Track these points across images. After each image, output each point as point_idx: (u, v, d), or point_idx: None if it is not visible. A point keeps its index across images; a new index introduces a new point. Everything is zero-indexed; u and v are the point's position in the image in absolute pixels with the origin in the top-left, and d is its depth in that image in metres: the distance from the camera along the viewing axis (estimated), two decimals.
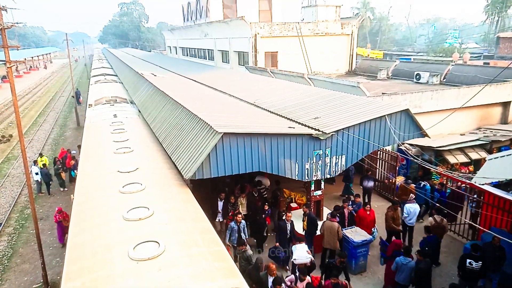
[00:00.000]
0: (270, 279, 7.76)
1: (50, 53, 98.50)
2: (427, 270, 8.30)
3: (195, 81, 20.49)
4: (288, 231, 9.93)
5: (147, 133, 12.43)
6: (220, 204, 10.93)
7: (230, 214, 10.78)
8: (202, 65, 31.12)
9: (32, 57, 75.66)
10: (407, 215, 10.68)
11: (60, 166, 16.43)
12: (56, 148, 23.97)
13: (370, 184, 13.32)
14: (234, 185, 12.35)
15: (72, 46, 41.75)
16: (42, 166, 16.11)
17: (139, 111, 15.71)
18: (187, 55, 42.32)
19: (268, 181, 12.40)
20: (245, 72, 24.05)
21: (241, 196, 11.40)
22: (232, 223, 9.91)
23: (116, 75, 29.54)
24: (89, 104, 17.66)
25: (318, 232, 10.02)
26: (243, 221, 9.90)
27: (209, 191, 11.98)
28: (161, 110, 13.29)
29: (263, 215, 10.92)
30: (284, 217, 10.14)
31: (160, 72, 24.29)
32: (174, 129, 10.93)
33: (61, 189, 16.43)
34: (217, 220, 10.99)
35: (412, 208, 10.65)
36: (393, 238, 10.38)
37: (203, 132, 9.09)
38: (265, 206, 11.15)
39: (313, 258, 8.74)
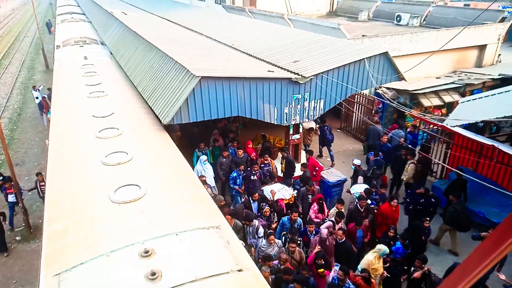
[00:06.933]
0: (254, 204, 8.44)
1: None
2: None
3: (169, 20, 19.44)
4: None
5: (120, 76, 11.97)
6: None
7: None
8: (175, 2, 29.32)
9: None
10: None
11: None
12: (26, 93, 22.84)
13: None
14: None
15: None
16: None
17: (111, 53, 14.97)
18: None
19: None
20: (222, 12, 22.93)
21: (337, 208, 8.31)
22: (285, 219, 8.06)
23: (84, 14, 27.55)
24: (56, 45, 16.66)
25: (295, 174, 10.33)
26: (299, 219, 8.14)
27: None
28: (135, 52, 12.70)
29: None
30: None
31: (130, 11, 22.82)
32: (149, 73, 10.56)
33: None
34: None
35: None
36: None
37: (180, 76, 8.84)
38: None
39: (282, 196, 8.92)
